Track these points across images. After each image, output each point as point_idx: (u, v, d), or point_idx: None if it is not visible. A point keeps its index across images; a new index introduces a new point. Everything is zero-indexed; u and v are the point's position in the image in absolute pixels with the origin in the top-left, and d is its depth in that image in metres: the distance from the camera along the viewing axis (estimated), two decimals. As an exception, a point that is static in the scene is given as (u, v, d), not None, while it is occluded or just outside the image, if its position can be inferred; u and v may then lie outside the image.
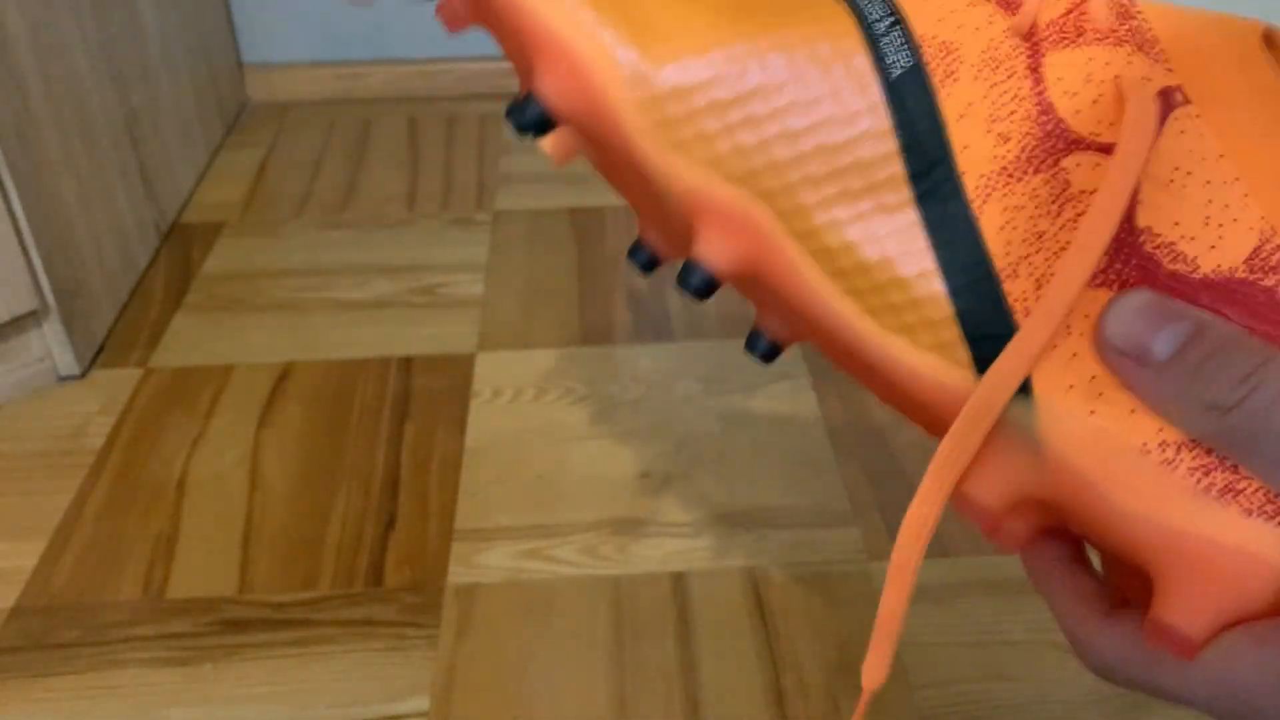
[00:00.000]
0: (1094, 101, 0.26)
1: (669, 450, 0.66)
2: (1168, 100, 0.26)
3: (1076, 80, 0.27)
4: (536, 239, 0.89)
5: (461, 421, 0.69)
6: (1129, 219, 0.26)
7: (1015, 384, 0.26)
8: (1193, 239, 0.25)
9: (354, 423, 0.69)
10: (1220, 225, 0.25)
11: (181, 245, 0.89)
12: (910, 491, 0.61)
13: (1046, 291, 0.25)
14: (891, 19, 0.28)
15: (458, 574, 0.58)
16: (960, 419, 0.27)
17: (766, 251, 0.28)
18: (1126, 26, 0.27)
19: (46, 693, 0.52)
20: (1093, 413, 0.25)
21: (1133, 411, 0.25)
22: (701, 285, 0.29)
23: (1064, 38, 0.27)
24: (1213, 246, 0.25)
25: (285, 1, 1.14)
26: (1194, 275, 0.25)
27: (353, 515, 0.62)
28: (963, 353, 0.27)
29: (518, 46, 0.29)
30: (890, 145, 0.27)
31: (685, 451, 0.65)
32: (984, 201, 0.27)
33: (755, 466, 0.64)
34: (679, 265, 0.34)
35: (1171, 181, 0.26)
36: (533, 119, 0.28)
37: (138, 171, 0.85)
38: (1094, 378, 0.26)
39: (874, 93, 0.27)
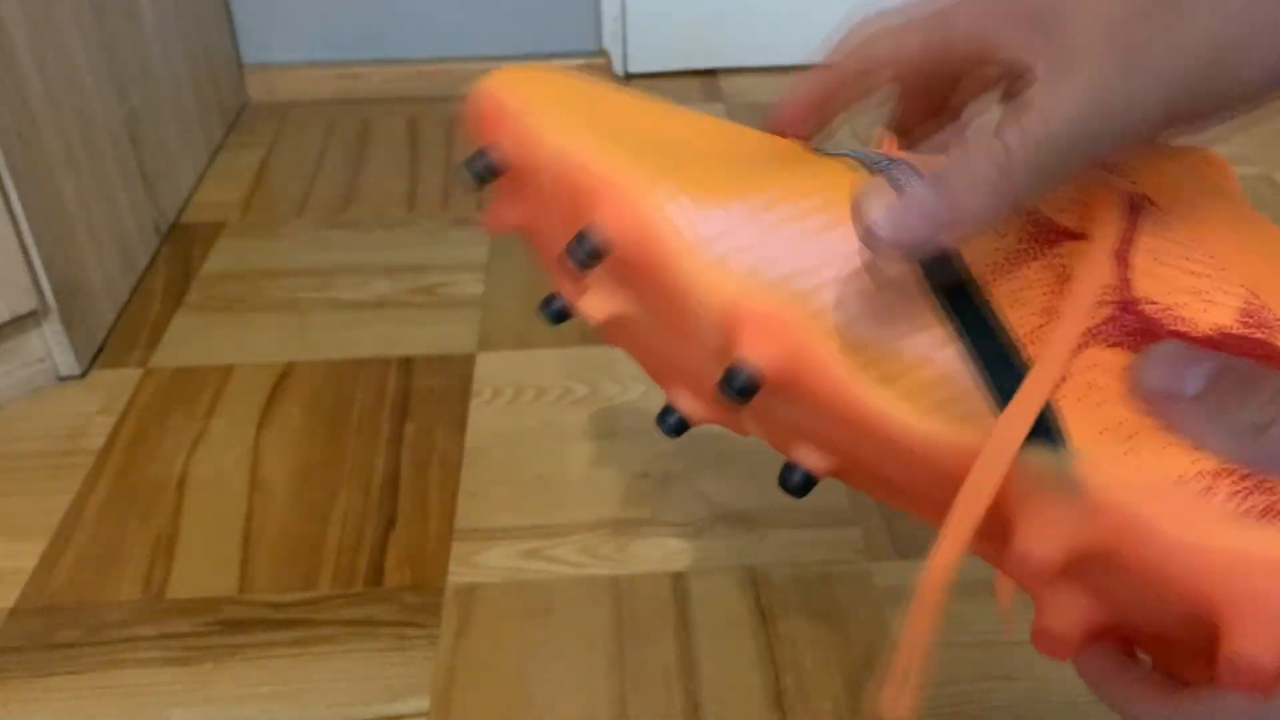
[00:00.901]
0: (1076, 204, 0.31)
1: (669, 450, 0.66)
2: (1134, 202, 0.31)
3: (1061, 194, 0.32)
4: (536, 239, 0.89)
5: (461, 421, 0.69)
6: (1127, 289, 0.29)
7: (1032, 413, 0.27)
8: (1186, 304, 0.29)
9: (354, 423, 0.69)
10: (1208, 294, 0.29)
11: (181, 245, 0.89)
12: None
13: (1050, 336, 0.29)
14: (886, 160, 0.33)
15: (458, 574, 0.58)
16: (980, 458, 0.28)
17: (802, 349, 0.31)
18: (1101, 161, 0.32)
19: (46, 693, 0.52)
20: (1127, 453, 0.27)
21: (1165, 448, 0.27)
22: (745, 385, 0.31)
23: None
24: (1205, 310, 0.29)
25: (285, 1, 1.14)
26: (1194, 334, 0.29)
27: (353, 515, 0.62)
28: (993, 421, 0.29)
29: (571, 202, 0.35)
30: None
31: (685, 451, 0.65)
32: (992, 284, 0.30)
33: (755, 466, 0.64)
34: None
35: (1156, 261, 0.30)
36: (589, 249, 0.33)
37: (138, 171, 0.85)
38: (1123, 422, 0.27)
39: None
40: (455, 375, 0.73)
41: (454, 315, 0.79)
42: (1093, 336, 0.29)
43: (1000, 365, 0.29)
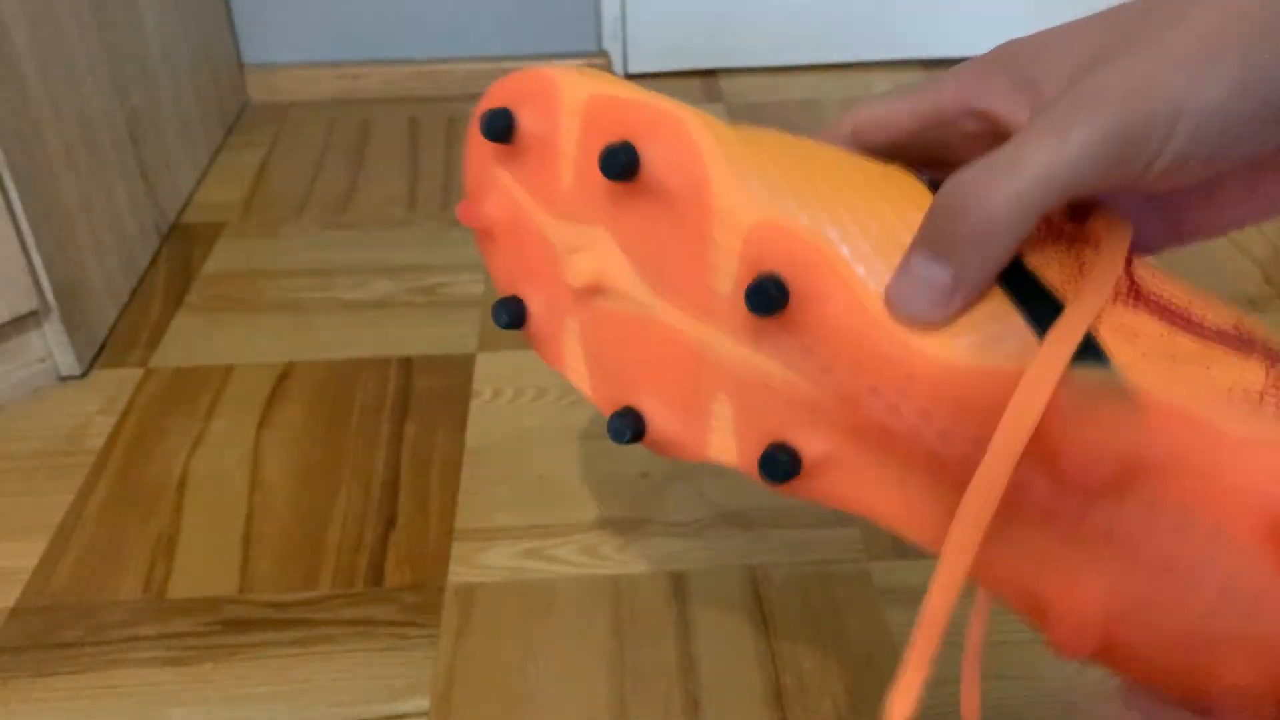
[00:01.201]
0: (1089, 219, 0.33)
1: (669, 450, 0.66)
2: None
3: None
4: (536, 239, 0.89)
5: (461, 421, 0.69)
6: (1135, 282, 0.30)
7: (1080, 331, 0.28)
8: (1188, 310, 0.30)
9: (354, 423, 0.69)
10: (1204, 307, 0.30)
11: (181, 245, 0.89)
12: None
13: (1083, 283, 0.30)
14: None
15: (458, 574, 0.58)
16: (1026, 376, 0.27)
17: (834, 269, 0.31)
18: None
19: (47, 692, 0.52)
20: (1172, 370, 0.28)
21: (1210, 367, 0.28)
22: (775, 296, 0.31)
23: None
24: (1205, 317, 0.30)
25: (285, 1, 1.14)
26: (1205, 325, 0.30)
27: (353, 515, 0.62)
28: (1034, 347, 0.29)
29: (603, 131, 0.35)
30: None
31: (685, 451, 0.65)
32: (1027, 254, 0.32)
33: (755, 466, 0.64)
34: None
35: (1155, 277, 0.31)
36: (629, 156, 0.34)
37: (138, 171, 0.85)
38: (1162, 350, 0.28)
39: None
40: (455, 375, 0.73)
41: (454, 315, 0.79)
42: (1117, 295, 0.30)
43: (1037, 298, 0.30)
